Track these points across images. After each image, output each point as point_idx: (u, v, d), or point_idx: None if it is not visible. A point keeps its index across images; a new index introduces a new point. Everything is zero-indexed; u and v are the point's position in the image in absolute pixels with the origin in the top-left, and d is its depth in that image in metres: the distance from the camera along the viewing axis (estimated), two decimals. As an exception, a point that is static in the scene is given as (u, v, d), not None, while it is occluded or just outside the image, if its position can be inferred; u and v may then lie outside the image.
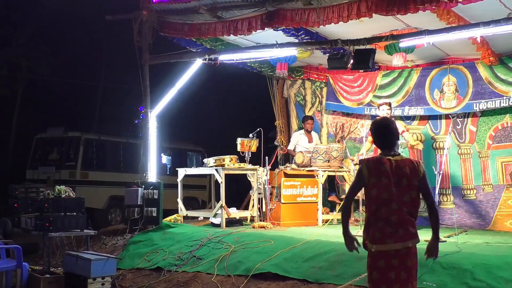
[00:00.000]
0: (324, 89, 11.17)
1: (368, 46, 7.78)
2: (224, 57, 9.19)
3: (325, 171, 9.29)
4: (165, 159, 15.34)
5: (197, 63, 9.53)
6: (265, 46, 8.72)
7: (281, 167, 9.78)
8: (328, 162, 9.32)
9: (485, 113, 9.33)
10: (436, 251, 3.95)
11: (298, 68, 11.09)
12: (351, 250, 3.91)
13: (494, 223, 8.88)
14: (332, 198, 9.92)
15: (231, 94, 21.41)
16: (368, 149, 8.46)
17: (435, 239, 3.93)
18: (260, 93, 12.60)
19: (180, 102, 11.17)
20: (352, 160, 8.66)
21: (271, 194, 9.11)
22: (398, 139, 3.92)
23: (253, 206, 9.12)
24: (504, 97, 8.86)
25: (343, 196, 9.54)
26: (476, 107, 9.21)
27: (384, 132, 3.88)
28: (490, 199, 9.12)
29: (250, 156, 9.21)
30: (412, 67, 9.97)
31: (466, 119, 9.55)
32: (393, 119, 3.91)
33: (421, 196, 3.78)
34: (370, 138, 8.26)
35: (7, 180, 13.47)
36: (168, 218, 9.17)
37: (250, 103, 19.75)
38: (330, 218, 9.26)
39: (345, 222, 3.90)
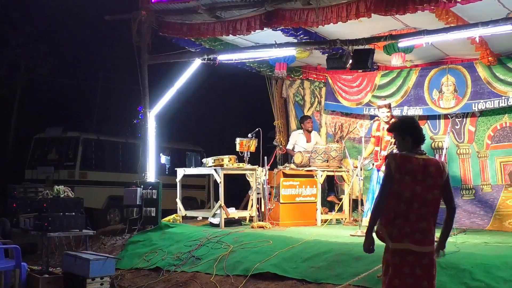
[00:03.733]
0: (323, 89, 11.17)
1: (367, 46, 7.78)
2: (223, 57, 9.20)
3: (324, 171, 9.29)
4: (164, 159, 15.34)
5: (196, 63, 9.53)
6: (264, 46, 8.72)
7: (280, 167, 9.78)
8: (327, 162, 9.32)
9: (484, 113, 9.33)
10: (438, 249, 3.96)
11: (297, 68, 11.09)
12: (368, 252, 3.91)
13: (493, 223, 8.89)
14: (331, 198, 9.93)
15: (230, 94, 21.42)
16: (370, 153, 8.42)
17: (441, 243, 4.01)
18: (259, 93, 12.61)
19: (179, 102, 11.18)
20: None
21: (270, 194, 9.11)
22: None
23: (252, 206, 9.12)
24: (503, 97, 8.86)
25: (342, 196, 9.57)
26: (474, 107, 9.21)
27: (417, 128, 3.95)
28: (489, 199, 9.12)
29: (249, 156, 9.21)
30: (411, 67, 9.97)
31: (464, 119, 9.56)
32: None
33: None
34: (373, 140, 8.27)
35: (6, 180, 13.47)
36: (167, 218, 9.17)
37: (249, 103, 19.76)
38: (329, 218, 9.27)
39: (372, 222, 3.89)
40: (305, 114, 11.12)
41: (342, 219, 9.57)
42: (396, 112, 9.77)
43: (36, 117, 19.59)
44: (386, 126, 8.14)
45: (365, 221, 8.15)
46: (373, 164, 8.23)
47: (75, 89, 21.95)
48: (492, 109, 9.12)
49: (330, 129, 11.12)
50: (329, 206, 10.00)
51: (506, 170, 9.08)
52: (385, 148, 8.10)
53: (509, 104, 8.81)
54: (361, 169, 8.41)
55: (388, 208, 3.78)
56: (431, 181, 3.73)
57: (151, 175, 9.31)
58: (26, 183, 10.82)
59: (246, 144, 9.12)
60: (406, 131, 3.90)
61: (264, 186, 8.98)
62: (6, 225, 8.33)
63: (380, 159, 8.03)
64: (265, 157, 9.16)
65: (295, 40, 8.64)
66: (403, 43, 7.78)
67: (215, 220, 8.73)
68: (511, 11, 7.03)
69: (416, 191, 3.70)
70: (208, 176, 10.94)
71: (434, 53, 9.34)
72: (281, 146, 11.21)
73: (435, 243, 3.87)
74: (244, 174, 9.24)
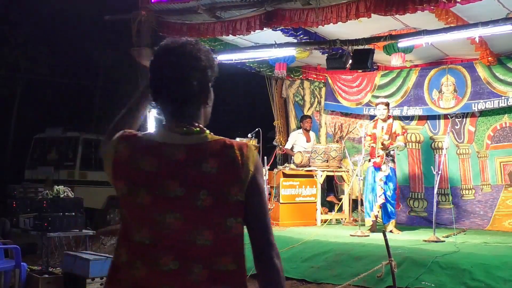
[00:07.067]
0: (323, 89, 11.17)
1: (366, 46, 7.78)
2: (223, 57, 9.18)
3: (324, 171, 9.29)
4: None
5: (196, 63, 9.51)
6: (264, 46, 8.72)
7: (280, 167, 9.77)
8: (327, 162, 9.32)
9: (484, 113, 9.33)
10: None
11: (297, 68, 11.09)
12: None
13: (492, 223, 8.89)
14: (331, 198, 9.93)
15: (229, 94, 21.42)
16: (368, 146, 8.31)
17: None
18: (259, 93, 12.61)
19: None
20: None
21: (269, 194, 9.11)
22: (198, 100, 1.83)
23: (251, 206, 9.09)
24: (503, 97, 8.86)
25: (342, 196, 9.56)
26: (474, 107, 9.21)
27: (160, 71, 1.77)
28: (488, 199, 9.12)
29: (248, 156, 9.18)
30: (410, 67, 9.97)
31: (464, 119, 9.55)
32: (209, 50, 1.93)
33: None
34: (368, 138, 8.23)
35: (6, 180, 13.46)
36: (166, 218, 9.15)
37: (249, 103, 19.77)
38: (329, 218, 9.27)
39: None
40: (305, 114, 11.12)
41: (342, 219, 9.57)
42: (396, 112, 9.78)
43: (36, 117, 19.59)
44: (383, 124, 8.13)
45: (368, 221, 8.14)
46: (368, 160, 8.21)
47: (75, 89, 21.95)
48: (492, 109, 9.12)
49: (330, 129, 11.12)
50: (328, 206, 10.00)
51: (506, 170, 9.08)
52: (385, 148, 8.04)
53: (509, 104, 8.81)
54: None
55: (111, 270, 1.74)
56: (206, 197, 1.66)
57: (151, 175, 9.29)
58: (26, 183, 10.81)
59: (246, 144, 9.10)
60: (151, 72, 1.82)
61: (264, 186, 8.96)
62: (6, 225, 8.34)
63: (378, 156, 8.00)
64: (265, 157, 9.16)
65: (295, 40, 8.64)
66: (403, 43, 7.78)
67: (215, 220, 8.70)
68: (511, 11, 7.03)
69: (168, 226, 1.64)
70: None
71: (434, 53, 9.34)
72: (281, 146, 11.20)
73: None
74: (244, 174, 9.20)
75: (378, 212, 8.08)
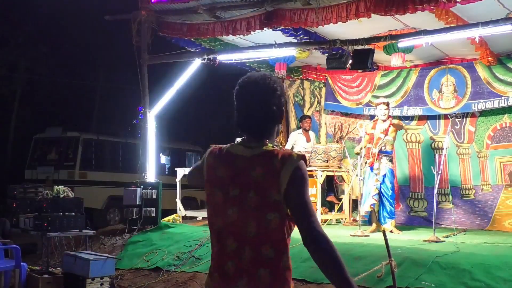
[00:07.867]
0: (323, 89, 11.17)
1: (366, 46, 7.78)
2: (223, 57, 9.20)
3: (324, 171, 9.28)
4: (163, 159, 15.34)
5: (196, 63, 9.53)
6: (264, 46, 8.72)
7: (280, 167, 9.74)
8: (327, 162, 9.31)
9: (484, 113, 9.33)
10: None
11: (297, 68, 11.09)
12: None
13: (492, 223, 8.89)
14: (331, 198, 9.92)
15: (229, 94, 21.41)
16: (363, 147, 8.34)
17: None
18: (259, 93, 12.59)
19: (179, 102, 11.17)
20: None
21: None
22: (277, 120, 2.26)
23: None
24: (503, 97, 8.86)
25: (342, 196, 9.56)
26: (474, 107, 9.21)
27: (245, 98, 2.26)
28: (488, 199, 9.12)
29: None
30: (410, 67, 9.97)
31: (464, 119, 9.55)
32: (280, 81, 2.31)
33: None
34: (367, 137, 8.25)
35: (6, 180, 13.47)
36: (167, 218, 9.16)
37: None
38: (329, 218, 9.27)
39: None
40: (305, 114, 11.11)
41: (342, 219, 9.56)
42: (396, 112, 9.78)
43: (36, 117, 19.62)
44: (383, 125, 8.13)
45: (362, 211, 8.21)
46: (366, 163, 8.22)
47: (75, 89, 21.97)
48: (492, 109, 9.12)
49: (330, 129, 11.12)
50: (328, 206, 9.99)
51: (506, 170, 9.08)
52: (376, 146, 8.07)
53: (509, 104, 8.81)
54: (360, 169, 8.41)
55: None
56: (254, 197, 2.14)
57: (151, 175, 9.30)
58: (26, 183, 10.81)
59: (246, 144, 9.09)
60: (235, 99, 2.32)
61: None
62: (6, 225, 8.33)
63: (372, 157, 8.02)
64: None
65: (295, 40, 8.64)
66: (403, 43, 7.78)
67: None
68: (511, 11, 7.03)
69: (231, 218, 2.18)
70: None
71: (434, 53, 9.33)
72: (281, 147, 11.19)
73: None
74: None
75: (366, 212, 8.14)
